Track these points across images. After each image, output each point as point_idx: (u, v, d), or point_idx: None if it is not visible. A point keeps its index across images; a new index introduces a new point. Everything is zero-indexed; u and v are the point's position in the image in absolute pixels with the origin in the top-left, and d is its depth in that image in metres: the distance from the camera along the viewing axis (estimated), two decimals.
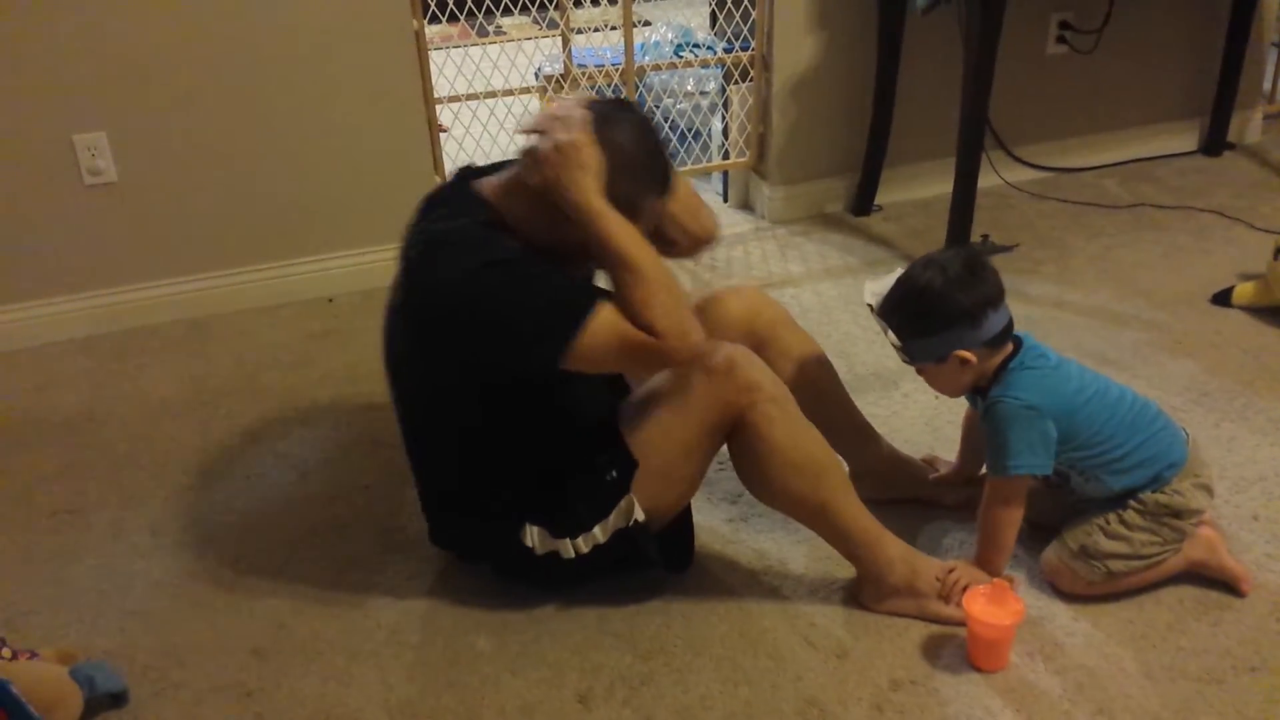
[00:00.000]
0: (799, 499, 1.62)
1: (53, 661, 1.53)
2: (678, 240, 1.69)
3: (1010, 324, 1.61)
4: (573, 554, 1.61)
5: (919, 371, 1.67)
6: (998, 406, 1.60)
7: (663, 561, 1.67)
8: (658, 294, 1.45)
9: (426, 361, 1.56)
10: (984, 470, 1.71)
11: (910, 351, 1.63)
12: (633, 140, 1.49)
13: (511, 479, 1.63)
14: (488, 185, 1.57)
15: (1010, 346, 1.63)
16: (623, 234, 1.46)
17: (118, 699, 1.55)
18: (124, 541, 1.90)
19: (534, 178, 1.48)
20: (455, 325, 1.48)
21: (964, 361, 1.59)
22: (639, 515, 1.59)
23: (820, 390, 1.84)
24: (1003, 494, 1.63)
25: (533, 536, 1.62)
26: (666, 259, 1.55)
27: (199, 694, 1.57)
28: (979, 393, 1.66)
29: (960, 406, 1.87)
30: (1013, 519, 1.63)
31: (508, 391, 1.56)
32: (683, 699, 1.53)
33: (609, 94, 3.01)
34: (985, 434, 1.64)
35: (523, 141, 1.50)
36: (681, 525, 1.69)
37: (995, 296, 1.58)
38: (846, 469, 1.70)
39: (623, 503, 1.59)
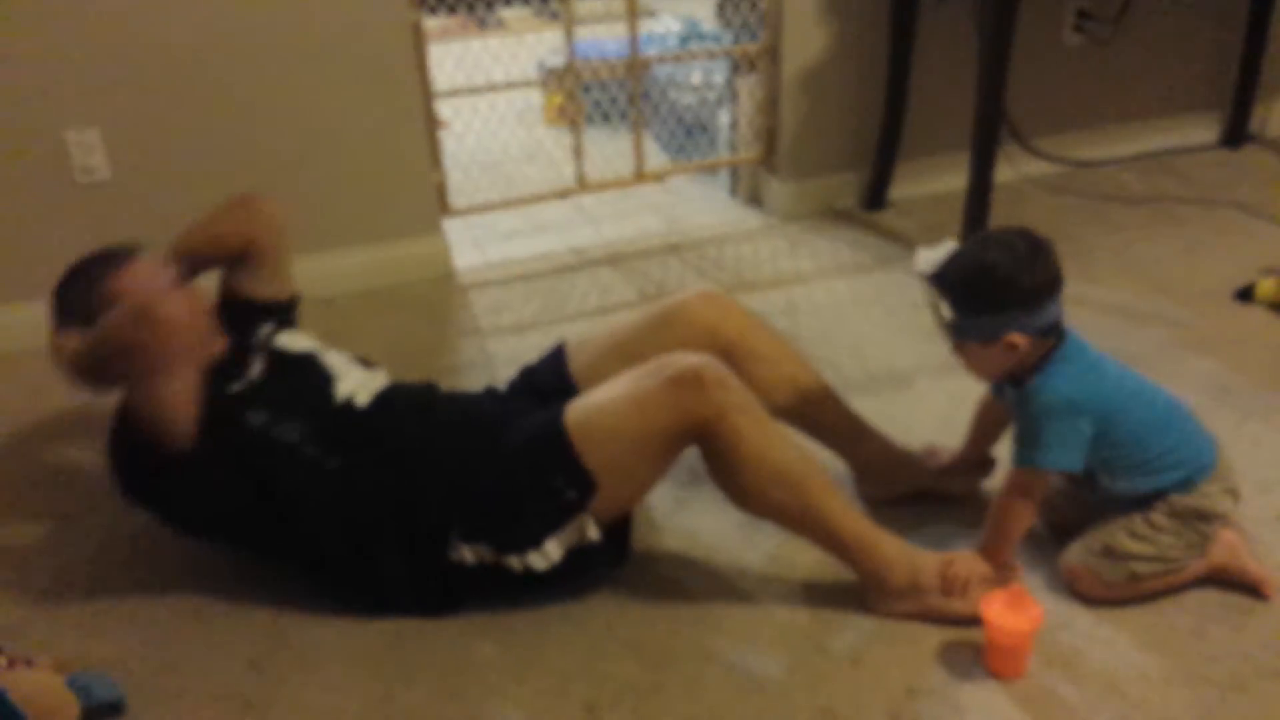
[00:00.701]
0: (781, 508, 1.60)
1: (49, 670, 1.51)
2: (218, 246, 1.85)
3: (1061, 317, 1.58)
4: (521, 570, 1.60)
5: (957, 348, 1.61)
6: (1037, 398, 1.56)
7: (604, 560, 1.66)
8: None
9: (225, 527, 1.71)
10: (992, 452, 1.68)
11: (961, 328, 1.57)
12: (65, 301, 1.69)
13: (445, 509, 1.64)
14: None
15: (1053, 339, 1.59)
16: (89, 343, 1.58)
17: (114, 709, 1.53)
18: (120, 548, 1.88)
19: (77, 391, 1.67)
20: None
21: (1011, 346, 1.55)
22: (593, 534, 1.59)
23: (801, 389, 1.83)
24: (1024, 484, 1.60)
25: (468, 553, 1.62)
26: (244, 257, 1.84)
27: (196, 704, 1.55)
28: (1013, 382, 1.62)
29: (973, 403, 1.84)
30: (1028, 511, 1.60)
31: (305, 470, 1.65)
32: (693, 709, 1.50)
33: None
34: (1017, 424, 1.61)
35: None
36: (620, 521, 1.69)
37: (1055, 283, 1.54)
38: (829, 473, 1.67)
39: (576, 523, 1.59)
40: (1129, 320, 2.43)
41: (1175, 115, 3.37)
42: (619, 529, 1.70)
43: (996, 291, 1.53)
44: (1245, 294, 2.48)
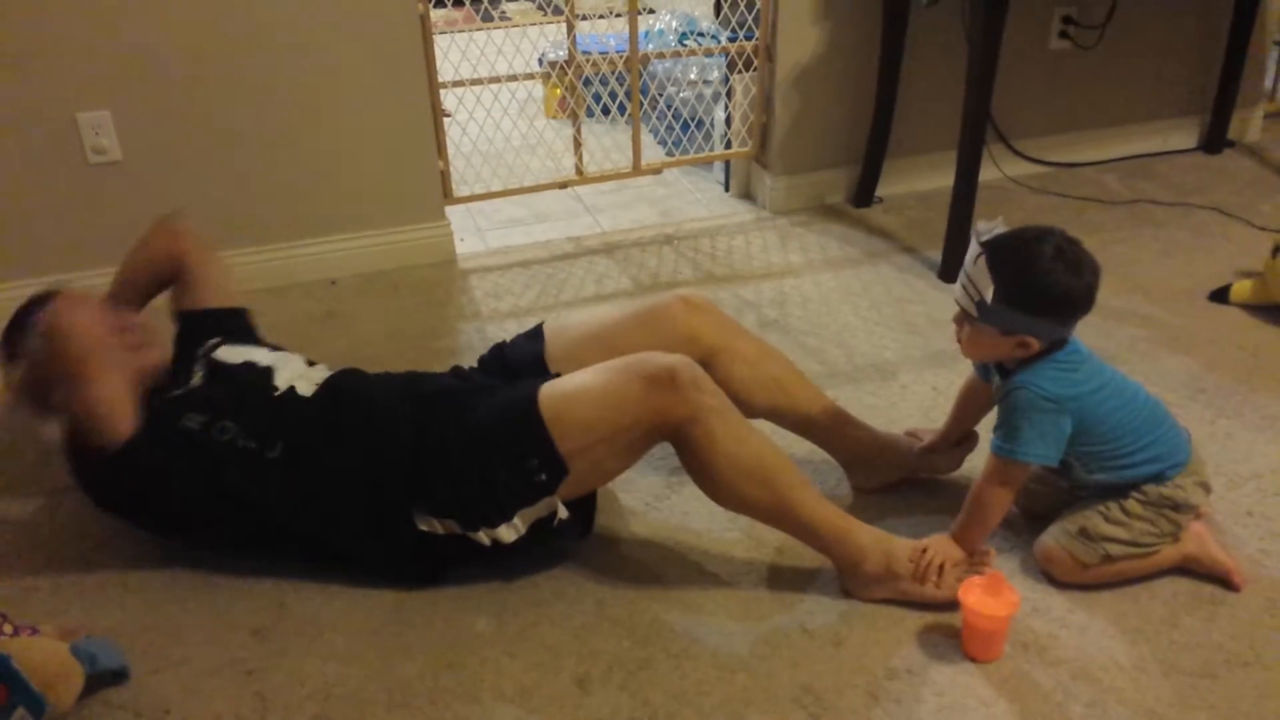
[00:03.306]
0: (755, 503, 1.64)
1: (54, 638, 1.52)
2: (150, 269, 1.98)
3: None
4: (489, 543, 1.64)
5: (967, 319, 1.60)
6: (1021, 392, 1.59)
7: (570, 532, 1.71)
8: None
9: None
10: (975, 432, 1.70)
11: (992, 313, 1.56)
12: (7, 346, 1.78)
13: (422, 495, 1.66)
14: None
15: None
16: (23, 370, 1.72)
17: (118, 676, 1.55)
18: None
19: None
20: None
21: (1023, 345, 1.58)
22: (562, 514, 1.64)
23: (784, 386, 1.85)
24: (1004, 475, 1.63)
25: (434, 525, 1.65)
26: (179, 274, 1.95)
27: (199, 672, 1.58)
28: (1000, 370, 1.66)
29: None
30: (1005, 501, 1.64)
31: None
32: (679, 684, 1.54)
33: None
34: (1000, 412, 1.64)
35: None
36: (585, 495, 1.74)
37: (1090, 308, 1.59)
38: (800, 468, 1.68)
39: (545, 501, 1.62)
40: (1107, 319, 2.46)
41: (1156, 120, 3.40)
42: (584, 502, 1.74)
43: (1046, 300, 1.54)
44: (1220, 295, 2.52)
